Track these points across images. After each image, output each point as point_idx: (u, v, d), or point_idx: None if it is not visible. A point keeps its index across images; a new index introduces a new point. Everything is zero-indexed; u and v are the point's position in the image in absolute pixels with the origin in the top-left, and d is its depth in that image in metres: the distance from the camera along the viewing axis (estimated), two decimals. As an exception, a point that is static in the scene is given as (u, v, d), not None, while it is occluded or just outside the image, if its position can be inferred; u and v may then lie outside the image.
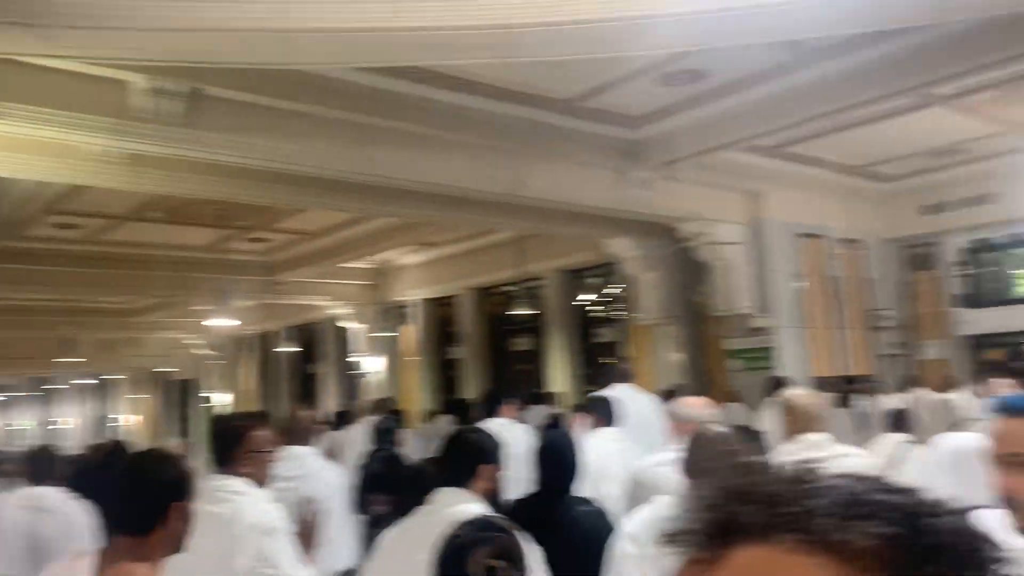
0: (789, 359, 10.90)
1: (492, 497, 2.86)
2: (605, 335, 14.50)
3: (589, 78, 7.91)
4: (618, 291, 13.85)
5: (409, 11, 4.46)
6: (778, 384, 8.64)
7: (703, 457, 2.80)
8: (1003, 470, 1.57)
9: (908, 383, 11.32)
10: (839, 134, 9.72)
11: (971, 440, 4.09)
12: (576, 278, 14.99)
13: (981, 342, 12.31)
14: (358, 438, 8.29)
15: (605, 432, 4.99)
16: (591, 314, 14.89)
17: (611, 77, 7.89)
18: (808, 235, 11.53)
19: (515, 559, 2.16)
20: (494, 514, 2.63)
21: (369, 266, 17.46)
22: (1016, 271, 12.15)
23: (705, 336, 12.15)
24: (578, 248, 13.58)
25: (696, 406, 3.89)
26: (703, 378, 11.99)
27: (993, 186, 11.53)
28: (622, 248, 12.00)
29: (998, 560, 0.63)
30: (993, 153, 10.83)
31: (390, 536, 2.91)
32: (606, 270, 13.93)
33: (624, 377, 6.57)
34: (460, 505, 2.64)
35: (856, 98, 7.79)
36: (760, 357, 10.97)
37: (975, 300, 12.28)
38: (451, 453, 2.93)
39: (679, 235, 10.83)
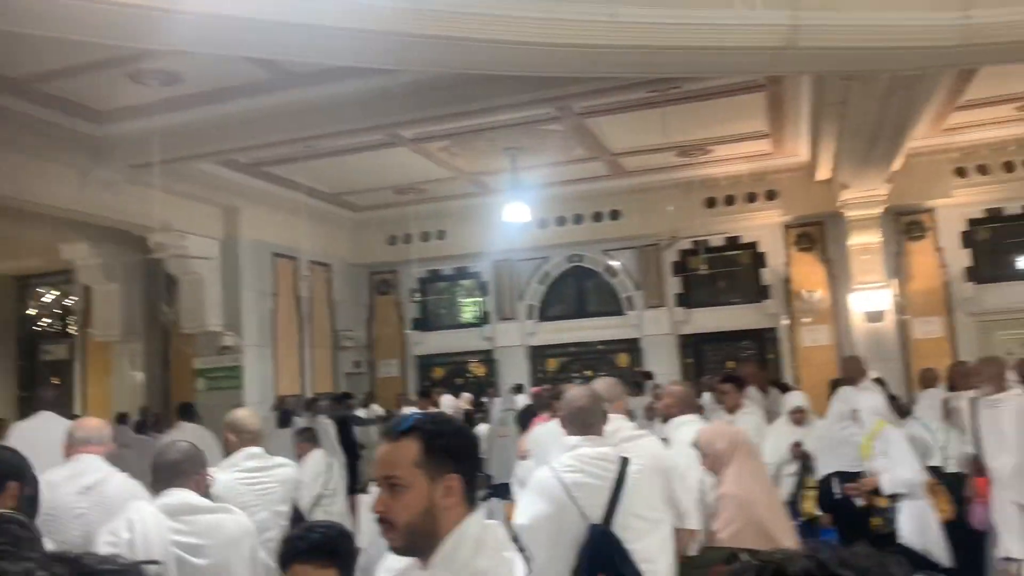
0: (256, 378, 10.91)
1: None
2: (56, 352, 12.87)
3: (49, 58, 6.95)
4: (73, 303, 12.42)
5: None
6: (187, 409, 8.71)
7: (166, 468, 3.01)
8: (381, 490, 1.70)
9: (367, 399, 12.21)
10: (314, 161, 10.11)
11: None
12: (21, 286, 13.07)
13: (430, 361, 13.87)
14: None
15: None
16: (39, 328, 13.09)
17: (76, 62, 7.05)
18: (282, 255, 11.73)
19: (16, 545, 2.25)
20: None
21: None
22: (462, 300, 13.99)
23: (171, 354, 11.55)
24: (24, 251, 11.82)
25: (93, 428, 3.83)
26: (167, 398, 11.36)
27: (445, 224, 13.13)
28: (80, 255, 10.81)
29: None
30: (446, 195, 12.33)
31: None
32: (61, 279, 12.40)
33: (50, 403, 5.81)
34: None
35: (328, 128, 8.19)
36: (228, 376, 10.77)
37: (426, 324, 13.81)
38: None
39: (147, 245, 10.12)
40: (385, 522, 1.69)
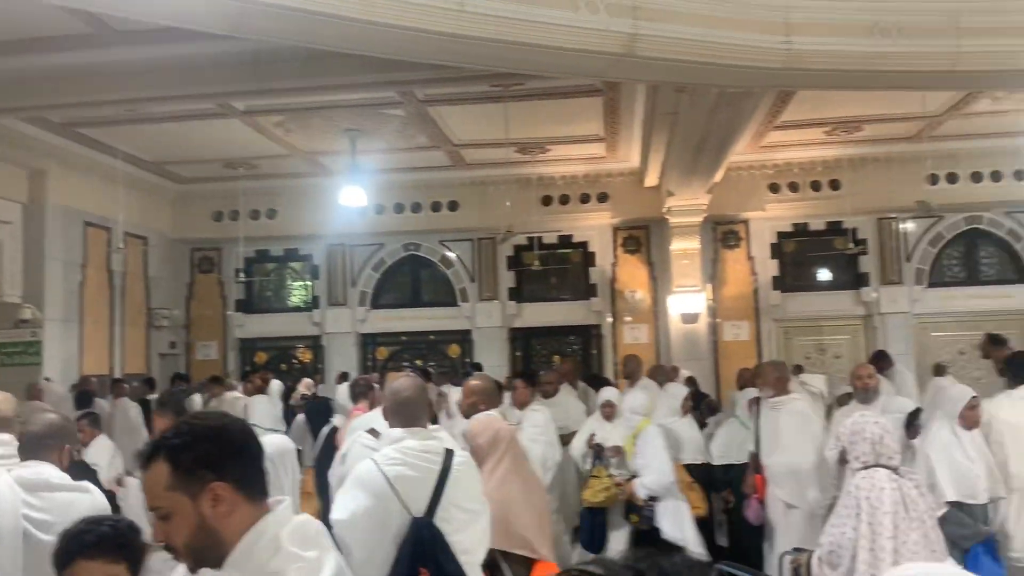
0: (58, 355, 10.06)
1: None
2: None
3: None
4: None
5: None
6: None
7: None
8: (156, 519, 1.59)
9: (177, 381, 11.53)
10: (136, 125, 9.43)
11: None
12: None
13: (253, 345, 13.31)
14: None
15: None
16: None
17: None
18: (94, 224, 10.88)
19: None
20: None
21: None
22: (290, 283, 13.51)
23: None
24: None
25: None
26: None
27: (277, 203, 12.63)
28: None
29: None
30: (279, 173, 11.86)
31: None
32: None
33: None
34: None
35: (154, 92, 7.61)
36: (25, 352, 9.86)
37: (250, 306, 13.24)
38: None
39: (-67, 204, 9.09)
40: (170, 549, 1.61)
